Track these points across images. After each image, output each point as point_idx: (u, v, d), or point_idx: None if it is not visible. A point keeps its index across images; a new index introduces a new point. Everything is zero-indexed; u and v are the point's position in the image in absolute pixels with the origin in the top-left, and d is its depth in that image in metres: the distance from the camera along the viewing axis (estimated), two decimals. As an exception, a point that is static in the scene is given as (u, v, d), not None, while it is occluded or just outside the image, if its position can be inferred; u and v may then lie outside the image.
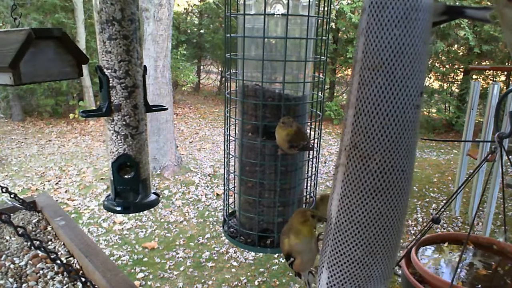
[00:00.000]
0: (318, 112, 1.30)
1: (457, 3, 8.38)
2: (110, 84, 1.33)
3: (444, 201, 5.03)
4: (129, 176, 1.43)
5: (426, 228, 1.46)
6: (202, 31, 15.41)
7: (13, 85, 1.24)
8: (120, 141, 1.38)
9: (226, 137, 1.33)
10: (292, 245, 1.04)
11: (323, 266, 0.85)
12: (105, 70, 1.32)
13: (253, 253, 4.60)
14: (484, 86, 9.32)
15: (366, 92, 0.72)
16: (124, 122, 1.37)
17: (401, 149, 0.73)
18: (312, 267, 1.08)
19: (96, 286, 1.17)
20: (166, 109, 1.53)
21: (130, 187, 1.44)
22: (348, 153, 0.75)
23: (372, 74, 0.70)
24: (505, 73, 11.41)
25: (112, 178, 1.42)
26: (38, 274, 1.37)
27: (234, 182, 1.36)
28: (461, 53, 11.69)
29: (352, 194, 0.76)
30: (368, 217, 0.75)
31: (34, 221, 1.76)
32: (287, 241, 1.06)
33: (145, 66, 1.40)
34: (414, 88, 0.71)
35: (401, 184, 0.75)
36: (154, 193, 1.53)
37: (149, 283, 4.18)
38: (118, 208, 1.45)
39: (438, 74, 11.77)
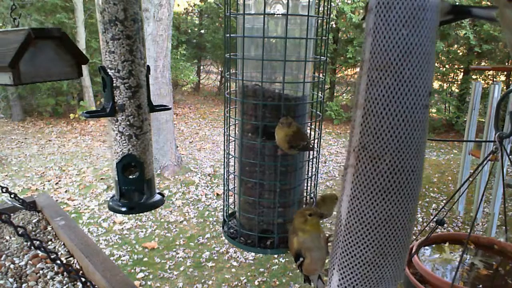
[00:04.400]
0: (318, 112, 1.30)
1: (457, 3, 8.37)
2: (114, 84, 1.32)
3: (445, 201, 5.03)
4: (134, 177, 1.42)
5: (430, 230, 1.45)
6: (202, 31, 15.41)
7: (13, 85, 1.24)
8: (124, 142, 1.38)
9: (226, 137, 1.33)
10: (301, 242, 1.04)
11: (333, 268, 0.85)
12: (108, 70, 1.31)
13: (253, 253, 4.60)
14: (484, 86, 9.30)
15: (374, 93, 0.71)
16: (128, 122, 1.36)
17: (410, 149, 0.72)
18: (322, 269, 1.08)
19: (96, 286, 1.17)
20: (169, 108, 1.53)
21: (135, 187, 1.43)
22: (357, 154, 0.75)
23: (380, 75, 0.70)
24: (505, 73, 11.40)
25: (116, 179, 1.42)
26: (38, 274, 1.37)
27: (234, 183, 1.36)
28: (461, 53, 11.68)
29: (362, 195, 0.75)
30: (378, 218, 0.75)
31: (34, 221, 1.76)
32: (296, 239, 1.06)
33: (148, 66, 1.40)
34: (423, 88, 0.70)
35: (411, 184, 0.75)
36: (159, 193, 1.53)
37: (149, 283, 4.18)
38: (124, 209, 1.44)
39: (438, 74, 11.76)
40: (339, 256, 0.82)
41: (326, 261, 0.98)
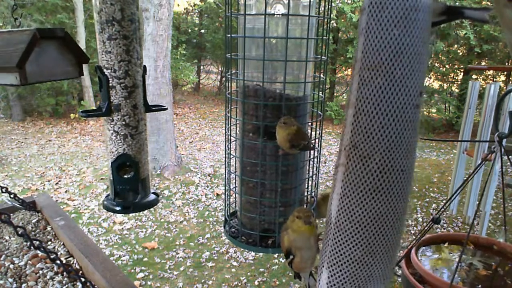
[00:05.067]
0: (319, 112, 1.30)
1: (457, 3, 8.38)
2: (110, 84, 1.33)
3: (444, 201, 5.02)
4: (129, 176, 1.43)
5: (426, 228, 1.46)
6: (202, 31, 15.41)
7: (19, 85, 1.25)
8: (119, 141, 1.38)
9: (226, 137, 1.33)
10: (291, 240, 1.05)
11: (323, 266, 0.85)
12: (104, 70, 1.32)
13: (253, 253, 4.60)
14: (484, 86, 9.31)
15: (365, 92, 0.71)
16: (123, 122, 1.37)
17: (401, 149, 0.72)
18: (313, 267, 1.08)
19: (95, 286, 1.17)
20: (165, 109, 1.53)
21: (129, 187, 1.44)
22: (348, 153, 0.75)
23: (372, 74, 0.70)
24: (505, 73, 11.40)
25: (111, 178, 1.42)
26: (38, 274, 1.37)
27: (235, 183, 1.36)
28: (461, 53, 11.68)
29: (352, 194, 0.76)
30: (368, 217, 0.75)
31: (33, 221, 1.76)
32: (286, 237, 1.07)
33: (144, 66, 1.40)
34: (414, 88, 0.70)
35: (401, 184, 0.75)
36: (154, 193, 1.53)
37: (149, 283, 4.18)
38: (118, 208, 1.45)
39: (438, 74, 11.77)
40: (328, 254, 0.82)
41: (317, 258, 0.99)
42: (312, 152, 1.30)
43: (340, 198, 0.77)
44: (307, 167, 1.34)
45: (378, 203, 0.74)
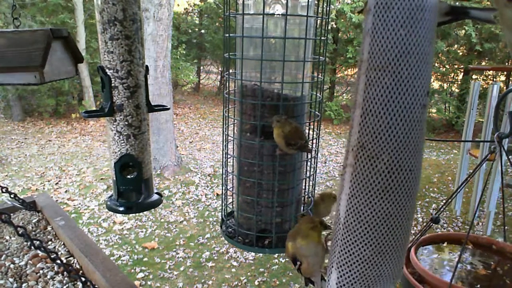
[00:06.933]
0: (317, 112, 1.30)
1: (457, 4, 8.35)
2: (112, 84, 1.33)
3: (444, 201, 5.02)
4: (132, 176, 1.43)
5: (425, 228, 1.46)
6: (202, 31, 15.42)
7: (38, 84, 1.26)
8: (122, 141, 1.38)
9: (224, 137, 1.33)
10: (297, 248, 1.04)
11: (332, 266, 0.85)
12: (107, 70, 1.32)
13: (253, 253, 4.60)
14: (484, 86, 9.31)
15: (373, 93, 0.72)
16: (126, 122, 1.37)
17: (408, 148, 0.73)
18: (321, 269, 1.07)
19: (96, 286, 1.18)
20: (168, 108, 1.53)
21: (132, 187, 1.44)
22: (356, 153, 0.75)
23: (379, 75, 0.70)
24: (505, 73, 11.40)
25: (114, 179, 1.42)
26: (38, 274, 1.37)
27: (233, 182, 1.36)
28: (461, 53, 11.68)
29: (360, 194, 0.76)
30: (376, 217, 0.75)
31: (34, 221, 1.76)
32: (291, 245, 1.06)
33: (147, 66, 1.40)
34: (421, 87, 0.71)
35: (409, 183, 0.75)
36: (157, 193, 1.53)
37: (149, 283, 4.18)
38: (121, 209, 1.45)
39: (438, 74, 11.76)
40: (337, 254, 0.82)
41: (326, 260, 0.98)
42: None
43: (349, 198, 0.78)
44: (305, 167, 1.34)
45: (386, 203, 0.74)
